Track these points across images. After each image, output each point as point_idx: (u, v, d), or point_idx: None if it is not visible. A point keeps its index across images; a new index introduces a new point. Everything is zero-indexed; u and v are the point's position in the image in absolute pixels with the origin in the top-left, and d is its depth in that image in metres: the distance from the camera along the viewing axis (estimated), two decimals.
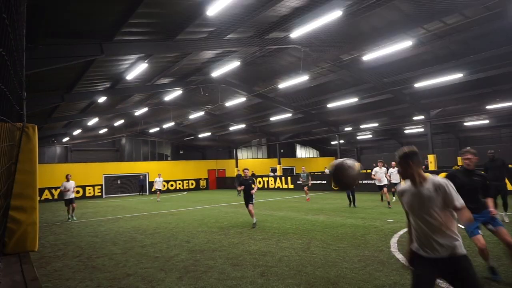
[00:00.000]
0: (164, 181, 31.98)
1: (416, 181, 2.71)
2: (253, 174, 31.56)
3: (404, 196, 2.83)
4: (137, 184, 30.35)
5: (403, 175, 2.78)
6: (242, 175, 10.38)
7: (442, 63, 15.25)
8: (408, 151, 2.78)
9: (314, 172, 38.37)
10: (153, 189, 27.36)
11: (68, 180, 13.39)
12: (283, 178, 27.51)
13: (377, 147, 42.57)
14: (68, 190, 13.20)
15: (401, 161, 2.78)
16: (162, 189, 23.02)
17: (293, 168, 39.96)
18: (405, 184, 2.86)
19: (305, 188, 17.00)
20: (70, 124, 23.73)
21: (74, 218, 13.27)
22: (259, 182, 29.03)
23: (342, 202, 14.78)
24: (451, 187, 2.60)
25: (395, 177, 13.80)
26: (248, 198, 9.99)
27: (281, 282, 4.75)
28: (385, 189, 13.48)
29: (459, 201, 2.58)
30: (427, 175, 2.71)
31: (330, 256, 5.98)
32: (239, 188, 10.48)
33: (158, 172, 27.79)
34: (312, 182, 24.79)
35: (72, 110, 19.89)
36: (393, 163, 15.09)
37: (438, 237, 2.61)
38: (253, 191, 9.92)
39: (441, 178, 2.66)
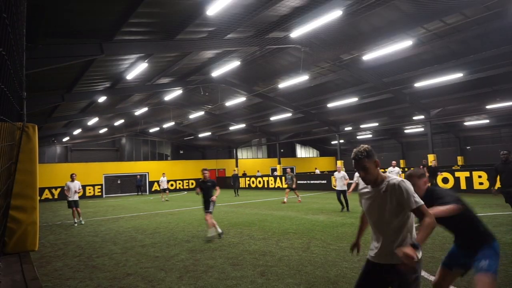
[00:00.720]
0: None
1: (377, 182, 2.49)
2: (244, 174, 31.57)
3: (363, 197, 2.64)
4: (135, 184, 30.24)
5: (367, 175, 2.47)
6: (202, 178, 8.45)
7: (442, 62, 15.25)
8: (370, 149, 2.49)
9: (314, 172, 38.41)
10: (158, 189, 27.27)
11: (72, 180, 12.08)
12: (283, 178, 27.50)
13: (377, 146, 42.56)
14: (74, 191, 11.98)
15: (366, 159, 2.45)
16: (169, 188, 22.77)
17: (293, 168, 39.97)
18: (364, 185, 2.62)
19: (287, 191, 16.38)
20: (70, 123, 23.73)
21: (82, 222, 12.04)
22: (259, 182, 29.03)
23: None
24: (408, 187, 2.35)
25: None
26: (207, 205, 8.30)
27: (281, 281, 4.76)
28: None
29: (416, 202, 2.34)
30: (385, 175, 2.51)
31: (330, 256, 5.99)
32: (196, 192, 8.54)
33: (159, 171, 27.88)
34: (313, 181, 24.96)
35: (72, 110, 19.89)
36: (393, 162, 15.05)
37: (388, 242, 2.45)
38: (213, 198, 8.22)
39: (399, 179, 2.43)
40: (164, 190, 21.96)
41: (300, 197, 16.59)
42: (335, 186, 13.01)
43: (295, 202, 16.06)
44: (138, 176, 30.27)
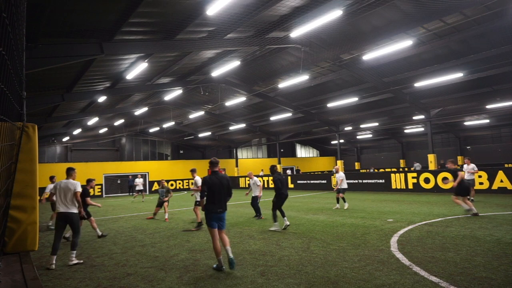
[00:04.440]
0: (165, 180, 31.92)
1: None
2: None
3: None
4: (127, 185, 29.76)
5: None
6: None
7: (442, 62, 15.25)
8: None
9: (314, 172, 38.46)
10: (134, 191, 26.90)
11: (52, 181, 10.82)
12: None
13: (377, 146, 42.57)
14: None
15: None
16: (142, 189, 22.94)
17: (293, 167, 39.96)
18: None
19: (165, 205, 12.44)
20: (70, 123, 23.74)
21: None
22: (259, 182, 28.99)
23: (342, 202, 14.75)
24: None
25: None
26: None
27: (281, 281, 4.75)
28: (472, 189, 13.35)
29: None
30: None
31: (330, 256, 5.98)
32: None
33: (159, 171, 27.77)
34: (313, 181, 24.90)
35: (72, 110, 19.89)
36: (466, 159, 14.28)
37: None
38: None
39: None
40: (140, 191, 22.55)
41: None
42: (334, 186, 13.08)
43: (295, 202, 16.02)
44: (130, 177, 29.56)
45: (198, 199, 8.56)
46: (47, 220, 12.61)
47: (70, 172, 6.63)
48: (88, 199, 8.58)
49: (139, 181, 22.83)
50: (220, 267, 5.42)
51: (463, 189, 9.94)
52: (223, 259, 5.50)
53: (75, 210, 6.40)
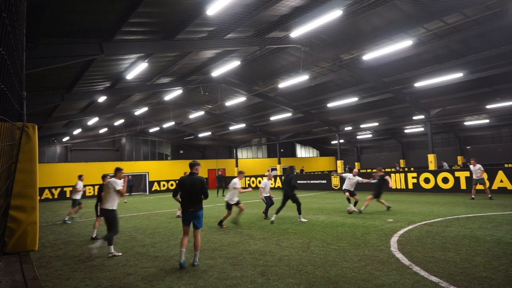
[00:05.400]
0: (165, 180, 31.94)
1: None
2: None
3: None
4: (127, 185, 29.39)
5: None
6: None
7: (442, 62, 15.25)
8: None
9: (314, 172, 38.44)
10: (158, 189, 26.23)
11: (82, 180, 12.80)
12: (283, 177, 27.51)
13: (377, 146, 42.57)
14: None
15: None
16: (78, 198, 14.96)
17: (293, 167, 39.90)
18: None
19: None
20: (70, 123, 23.74)
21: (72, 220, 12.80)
22: (259, 182, 29.01)
23: (342, 202, 14.77)
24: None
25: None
26: None
27: (281, 281, 4.75)
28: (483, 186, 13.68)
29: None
30: None
31: (330, 256, 5.98)
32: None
33: (159, 171, 27.35)
34: (313, 181, 24.89)
35: (72, 110, 19.89)
36: (473, 160, 14.31)
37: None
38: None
39: None
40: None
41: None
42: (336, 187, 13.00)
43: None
44: (130, 177, 29.40)
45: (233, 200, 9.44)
46: (64, 215, 12.64)
47: (116, 172, 7.25)
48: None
49: (80, 184, 18.92)
50: (179, 260, 5.77)
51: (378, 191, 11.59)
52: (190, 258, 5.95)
53: (112, 207, 6.93)
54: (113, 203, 6.95)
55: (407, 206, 12.63)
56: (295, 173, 9.89)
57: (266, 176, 11.91)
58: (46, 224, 12.20)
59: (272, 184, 25.64)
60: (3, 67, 1.85)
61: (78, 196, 12.53)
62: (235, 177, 10.38)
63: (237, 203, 9.78)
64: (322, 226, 9.12)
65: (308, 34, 11.50)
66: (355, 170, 12.75)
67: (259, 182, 29.05)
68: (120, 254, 6.92)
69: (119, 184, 7.02)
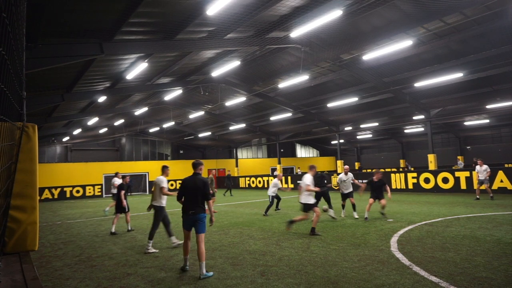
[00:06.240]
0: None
1: None
2: (228, 175, 30.66)
3: None
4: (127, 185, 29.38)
5: None
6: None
7: (442, 62, 15.26)
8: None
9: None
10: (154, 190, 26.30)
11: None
12: (283, 178, 27.51)
13: (377, 146, 42.56)
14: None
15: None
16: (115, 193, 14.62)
17: (293, 167, 39.98)
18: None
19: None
20: (70, 123, 23.74)
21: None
22: (259, 182, 29.01)
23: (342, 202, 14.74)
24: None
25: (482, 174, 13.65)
26: None
27: (281, 281, 4.75)
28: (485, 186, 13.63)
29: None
30: None
31: (330, 256, 5.98)
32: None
33: (159, 171, 27.21)
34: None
35: (72, 110, 19.89)
36: (480, 160, 14.25)
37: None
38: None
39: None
40: (113, 196, 18.94)
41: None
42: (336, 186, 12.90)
43: (295, 202, 16.00)
44: (129, 177, 29.38)
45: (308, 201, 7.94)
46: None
47: (163, 169, 7.57)
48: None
49: (118, 181, 14.58)
50: (183, 267, 5.57)
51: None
52: (196, 266, 5.63)
53: (159, 204, 7.34)
54: (159, 200, 7.35)
55: (407, 206, 12.63)
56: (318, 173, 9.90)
57: (275, 176, 12.62)
58: (46, 224, 12.20)
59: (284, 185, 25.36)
60: (3, 67, 1.85)
61: (115, 191, 12.73)
62: (241, 176, 10.53)
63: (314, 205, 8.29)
64: (322, 226, 9.12)
65: (308, 34, 11.50)
66: (346, 166, 11.38)
67: (259, 182, 29.04)
68: (157, 251, 7.08)
69: (164, 182, 7.36)
